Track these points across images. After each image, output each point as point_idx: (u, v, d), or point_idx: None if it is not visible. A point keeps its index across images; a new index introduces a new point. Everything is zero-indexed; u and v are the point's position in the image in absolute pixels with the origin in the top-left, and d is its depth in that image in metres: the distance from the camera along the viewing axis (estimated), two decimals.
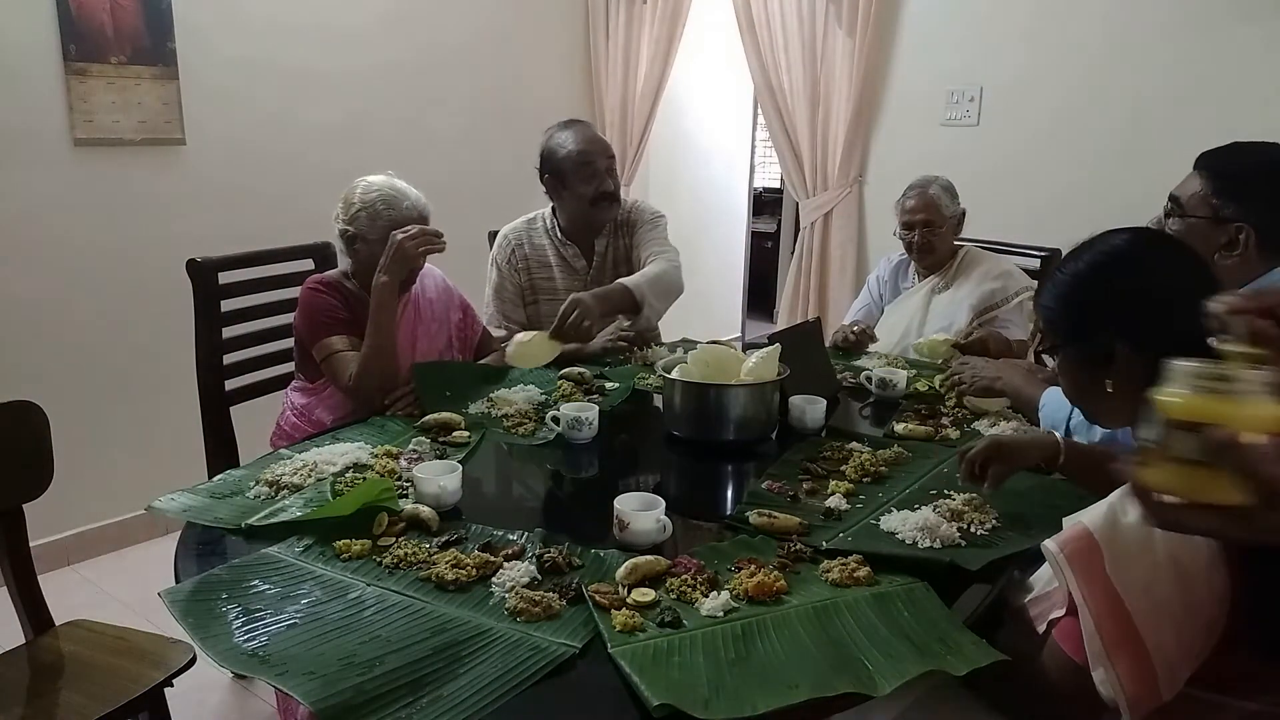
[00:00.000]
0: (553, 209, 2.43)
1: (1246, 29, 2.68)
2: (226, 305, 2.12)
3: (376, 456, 1.58)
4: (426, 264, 2.05)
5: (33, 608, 1.63)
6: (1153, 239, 1.22)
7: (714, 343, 2.37)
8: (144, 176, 2.85)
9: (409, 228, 1.88)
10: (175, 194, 2.93)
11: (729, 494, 1.64)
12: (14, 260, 2.60)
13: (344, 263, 2.05)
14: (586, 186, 2.29)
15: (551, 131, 2.35)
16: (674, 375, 1.75)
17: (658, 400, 1.97)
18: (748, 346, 2.18)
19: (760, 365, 1.73)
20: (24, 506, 1.61)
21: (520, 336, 2.01)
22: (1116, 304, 1.15)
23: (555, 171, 2.32)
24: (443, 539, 1.30)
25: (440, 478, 1.41)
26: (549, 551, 1.23)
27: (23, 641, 1.62)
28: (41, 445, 1.63)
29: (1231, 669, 0.93)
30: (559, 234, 2.42)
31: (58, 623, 1.66)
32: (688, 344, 2.45)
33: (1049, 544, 0.97)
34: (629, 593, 1.14)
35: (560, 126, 2.35)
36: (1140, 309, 1.13)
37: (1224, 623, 0.90)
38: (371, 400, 1.88)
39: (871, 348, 2.47)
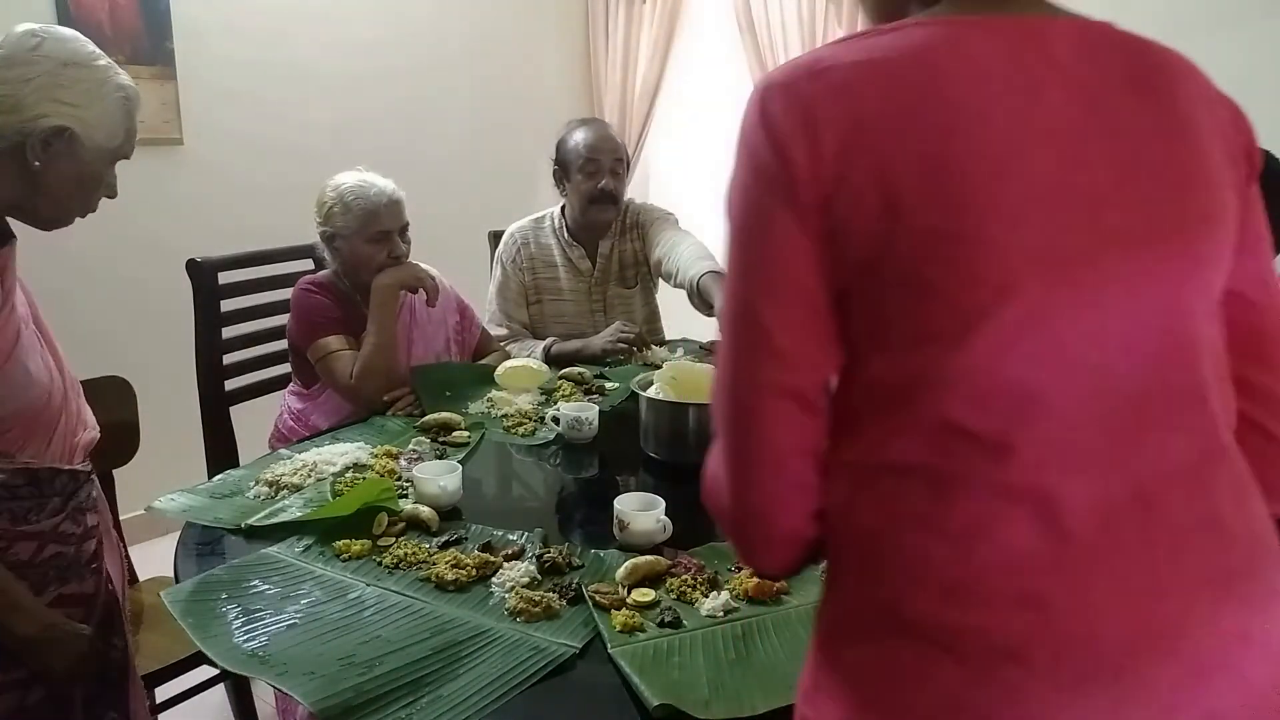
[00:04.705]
0: (561, 209, 2.44)
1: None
2: (226, 305, 2.12)
3: (376, 456, 1.58)
4: (424, 264, 2.05)
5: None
6: None
7: (712, 343, 2.38)
8: (142, 177, 2.83)
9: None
10: (173, 194, 2.92)
11: None
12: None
13: (332, 265, 2.04)
14: (587, 183, 2.30)
15: (571, 125, 2.38)
16: (650, 394, 1.66)
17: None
18: None
19: None
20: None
21: (512, 361, 2.04)
22: None
23: (562, 163, 2.37)
24: (443, 539, 1.30)
25: (440, 478, 1.41)
26: (549, 551, 1.23)
27: None
28: (132, 416, 1.83)
29: None
30: (565, 234, 2.42)
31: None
32: (688, 343, 2.45)
33: None
34: (629, 593, 1.14)
35: (579, 122, 2.38)
36: None
37: None
38: (372, 401, 1.88)
39: None
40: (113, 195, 1.31)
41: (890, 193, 0.61)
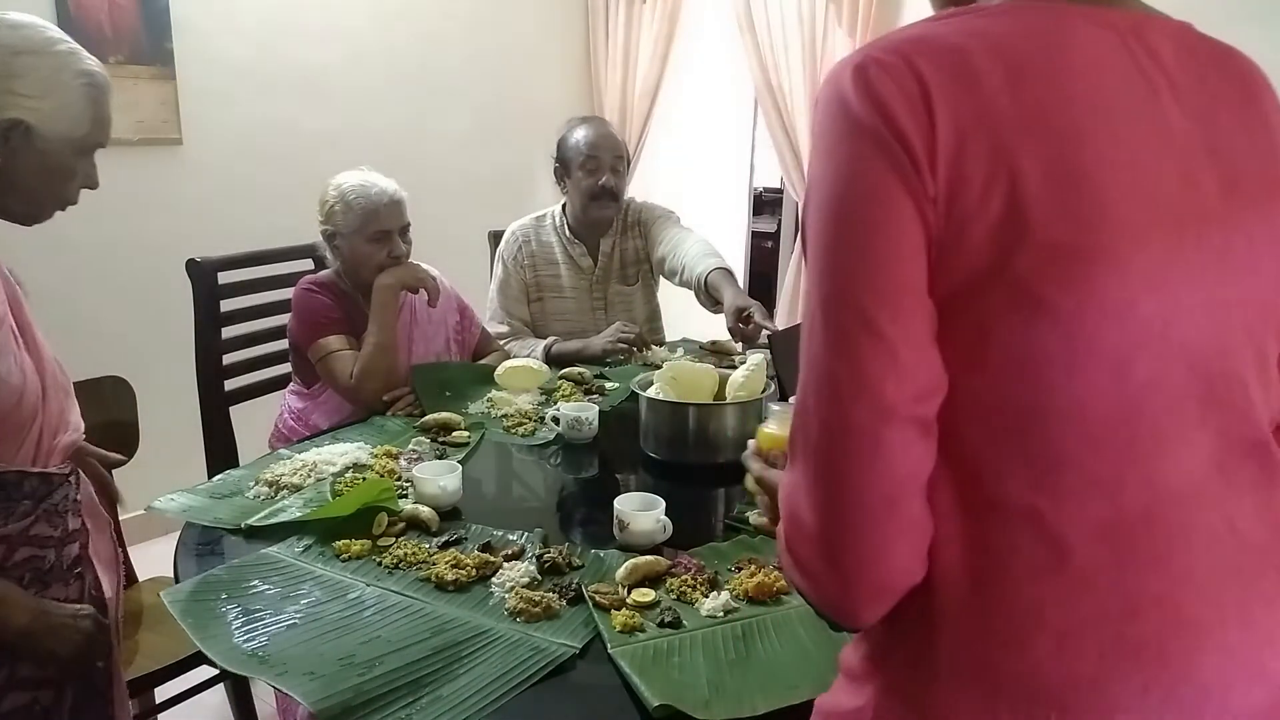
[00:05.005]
0: (563, 207, 2.45)
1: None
2: (226, 305, 2.12)
3: (376, 456, 1.58)
4: (424, 264, 2.05)
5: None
6: None
7: (712, 342, 2.38)
8: (141, 176, 2.85)
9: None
10: (172, 194, 2.92)
11: (730, 495, 1.63)
12: (10, 260, 2.59)
13: (333, 264, 2.04)
14: (588, 180, 2.31)
15: (572, 123, 2.39)
16: (650, 394, 1.65)
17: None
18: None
19: (750, 380, 1.64)
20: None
21: (512, 361, 2.04)
22: None
23: (563, 160, 2.38)
24: (442, 539, 1.30)
25: (440, 478, 1.41)
26: (549, 551, 1.23)
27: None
28: (131, 416, 1.82)
29: None
30: (567, 232, 2.43)
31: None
32: (688, 343, 2.45)
33: None
34: (629, 593, 1.14)
35: (580, 120, 2.40)
36: None
37: None
38: (372, 402, 1.88)
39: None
40: (93, 186, 1.24)
41: (1017, 200, 0.55)
